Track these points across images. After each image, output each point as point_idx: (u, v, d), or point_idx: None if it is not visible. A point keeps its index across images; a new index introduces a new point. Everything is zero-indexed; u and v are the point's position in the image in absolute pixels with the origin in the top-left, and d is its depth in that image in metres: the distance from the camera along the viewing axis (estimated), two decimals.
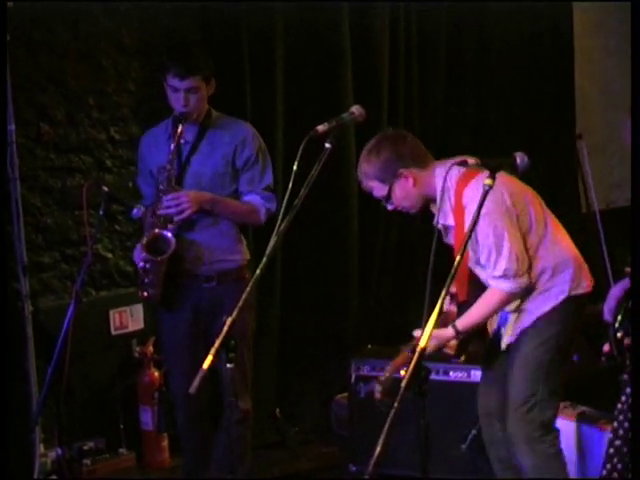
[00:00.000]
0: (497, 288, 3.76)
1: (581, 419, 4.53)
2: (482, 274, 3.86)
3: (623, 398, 3.32)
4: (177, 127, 4.25)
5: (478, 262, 3.81)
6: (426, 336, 2.84)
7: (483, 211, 3.25)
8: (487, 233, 3.68)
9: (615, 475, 3.30)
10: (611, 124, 6.69)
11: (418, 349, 2.82)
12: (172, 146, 4.26)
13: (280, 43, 5.49)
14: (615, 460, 3.33)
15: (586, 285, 3.89)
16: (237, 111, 4.71)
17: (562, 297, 3.84)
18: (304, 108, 5.47)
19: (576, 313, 3.90)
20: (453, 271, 2.99)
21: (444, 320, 3.84)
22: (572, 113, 6.88)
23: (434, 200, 3.85)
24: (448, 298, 3.89)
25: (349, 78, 5.71)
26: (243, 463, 4.47)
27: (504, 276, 3.71)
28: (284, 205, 3.36)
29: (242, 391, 4.41)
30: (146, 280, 4.29)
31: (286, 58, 5.52)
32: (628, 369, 3.22)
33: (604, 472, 3.34)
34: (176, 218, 4.25)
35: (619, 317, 3.22)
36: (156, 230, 4.26)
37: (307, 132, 3.40)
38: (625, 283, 3.23)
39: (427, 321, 2.88)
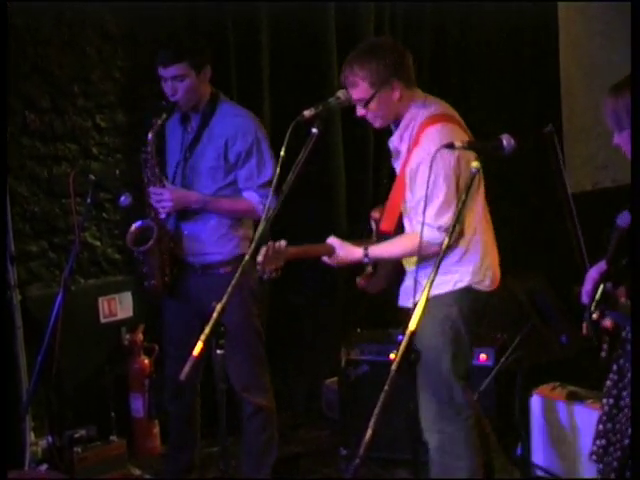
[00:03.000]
0: (416, 233, 3.67)
1: (571, 398, 4.56)
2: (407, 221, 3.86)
3: (610, 375, 3.34)
4: (161, 117, 4.24)
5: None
6: (415, 320, 2.85)
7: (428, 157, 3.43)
8: (425, 179, 3.57)
9: (601, 451, 3.33)
10: (596, 106, 6.68)
11: (408, 332, 2.82)
12: (150, 136, 4.25)
13: (265, 29, 5.48)
14: (603, 437, 3.35)
15: (488, 284, 3.89)
16: None
17: (460, 285, 3.85)
18: (290, 94, 5.47)
19: (472, 306, 3.90)
20: (441, 255, 3.01)
21: (363, 243, 3.87)
22: (557, 96, 6.89)
23: (399, 121, 3.86)
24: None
25: (334, 62, 5.69)
26: (269, 454, 4.53)
27: (427, 224, 3.63)
28: (272, 191, 3.37)
29: (254, 384, 4.45)
30: (144, 270, 4.32)
31: (272, 44, 5.51)
32: (604, 352, 3.24)
33: (594, 448, 3.36)
34: (160, 213, 4.28)
35: (596, 299, 3.24)
36: (137, 223, 4.31)
37: (293, 117, 3.41)
38: (601, 266, 3.25)
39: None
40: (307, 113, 3.43)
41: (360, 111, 3.84)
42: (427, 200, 3.54)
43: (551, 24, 6.81)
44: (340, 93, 3.61)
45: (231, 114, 4.35)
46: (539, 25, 6.76)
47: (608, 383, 3.34)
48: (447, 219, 3.66)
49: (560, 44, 6.85)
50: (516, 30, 6.65)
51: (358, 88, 3.77)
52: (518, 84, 6.67)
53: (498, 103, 6.49)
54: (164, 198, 4.25)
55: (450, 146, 3.22)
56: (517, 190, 6.48)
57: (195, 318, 4.32)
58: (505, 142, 3.19)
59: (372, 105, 3.78)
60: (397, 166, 3.93)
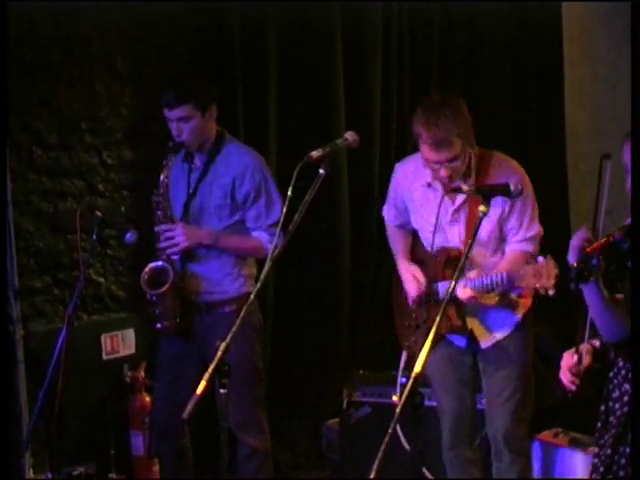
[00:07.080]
0: (522, 249, 3.96)
1: (573, 445, 4.53)
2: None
3: (599, 424, 3.34)
4: (169, 158, 4.26)
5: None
6: (420, 363, 2.84)
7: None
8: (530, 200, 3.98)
9: None
10: (601, 151, 6.70)
11: (413, 375, 2.81)
12: (162, 177, 4.27)
13: (273, 69, 5.51)
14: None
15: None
16: None
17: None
18: (297, 133, 5.49)
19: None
20: (448, 296, 3.00)
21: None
22: (562, 141, 6.90)
23: None
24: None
25: (342, 100, 5.73)
26: None
27: (533, 238, 3.95)
28: (278, 230, 3.37)
29: (250, 426, 4.41)
30: (157, 312, 4.29)
31: (279, 83, 5.54)
32: (575, 387, 3.26)
33: None
34: (168, 251, 4.25)
35: None
36: (152, 264, 4.27)
37: (300, 157, 3.41)
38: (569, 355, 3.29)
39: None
40: (314, 154, 3.42)
41: (446, 171, 3.75)
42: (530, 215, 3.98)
43: (556, 68, 6.84)
44: (348, 134, 3.61)
45: (238, 153, 4.35)
46: (544, 69, 6.79)
47: (598, 425, 3.33)
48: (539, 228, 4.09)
49: (565, 89, 6.87)
50: (521, 74, 6.68)
51: (455, 146, 3.73)
52: (523, 129, 6.69)
53: (504, 148, 6.48)
54: (177, 234, 4.23)
55: (457, 190, 3.23)
56: None
57: (198, 357, 4.31)
58: (513, 187, 3.21)
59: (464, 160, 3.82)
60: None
